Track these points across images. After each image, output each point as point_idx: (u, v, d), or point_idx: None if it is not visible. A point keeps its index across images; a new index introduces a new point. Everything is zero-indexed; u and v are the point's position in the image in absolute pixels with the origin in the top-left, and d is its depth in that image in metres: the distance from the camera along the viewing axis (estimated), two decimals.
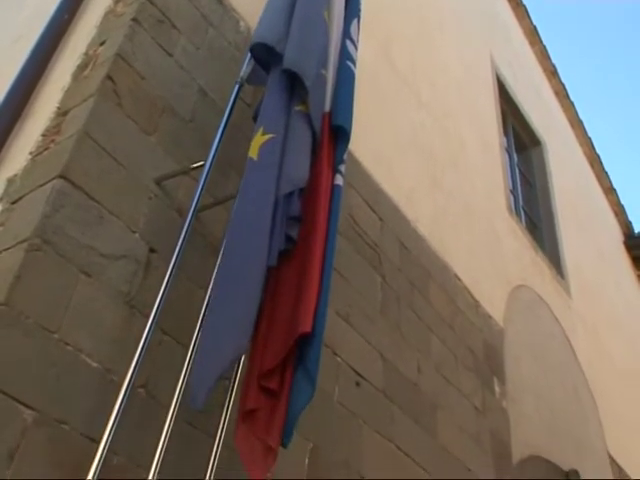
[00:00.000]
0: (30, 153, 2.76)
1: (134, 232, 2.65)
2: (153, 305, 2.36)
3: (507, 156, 7.75)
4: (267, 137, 2.83)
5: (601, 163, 10.47)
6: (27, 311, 2.18)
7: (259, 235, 2.59)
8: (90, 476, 2.03)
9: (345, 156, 3.12)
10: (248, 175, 2.75)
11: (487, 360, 4.95)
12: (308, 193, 2.86)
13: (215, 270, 2.60)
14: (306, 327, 2.45)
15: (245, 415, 2.41)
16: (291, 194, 2.77)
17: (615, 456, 6.69)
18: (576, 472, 5.54)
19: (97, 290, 2.43)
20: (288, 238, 2.73)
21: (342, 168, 3.07)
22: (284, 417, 2.43)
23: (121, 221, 2.61)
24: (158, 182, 2.83)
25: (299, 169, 2.84)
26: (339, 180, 3.01)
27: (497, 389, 4.91)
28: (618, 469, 6.67)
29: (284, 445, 2.46)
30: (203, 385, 2.28)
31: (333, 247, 2.81)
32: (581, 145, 10.18)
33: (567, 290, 7.42)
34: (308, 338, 2.49)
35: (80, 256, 2.41)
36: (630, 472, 6.89)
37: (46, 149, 2.69)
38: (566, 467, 5.51)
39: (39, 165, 2.65)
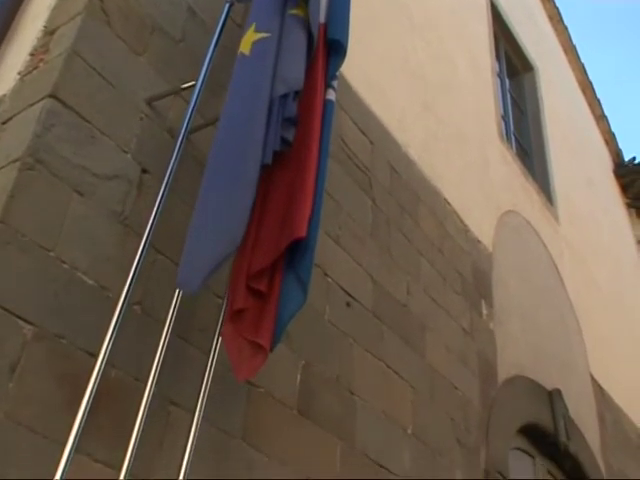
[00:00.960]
0: (19, 73, 2.73)
1: (126, 152, 2.66)
2: (147, 225, 2.39)
3: (499, 81, 7.69)
4: (260, 35, 2.79)
5: (593, 90, 10.40)
6: (23, 229, 2.21)
7: (254, 131, 2.58)
8: (89, 388, 2.11)
9: (338, 72, 3.10)
10: (239, 70, 2.72)
11: (475, 283, 5.03)
12: (302, 106, 2.84)
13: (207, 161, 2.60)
14: (301, 232, 2.46)
15: (233, 315, 2.44)
16: (286, 96, 2.73)
17: (597, 377, 6.86)
18: (559, 391, 5.69)
19: (91, 209, 2.45)
20: (283, 140, 2.71)
21: (335, 84, 3.05)
22: (274, 319, 2.46)
23: (113, 141, 2.62)
24: (149, 102, 2.82)
25: (294, 71, 2.80)
26: (331, 95, 2.99)
27: (484, 311, 5.01)
28: (599, 389, 6.86)
29: (271, 349, 2.50)
30: (197, 272, 2.30)
31: (326, 160, 2.82)
32: (574, 71, 10.08)
33: (556, 217, 7.48)
34: (301, 245, 2.51)
35: (73, 175, 2.43)
36: (610, 392, 7.08)
37: (35, 68, 2.67)
38: (549, 386, 5.65)
39: (28, 85, 2.63)
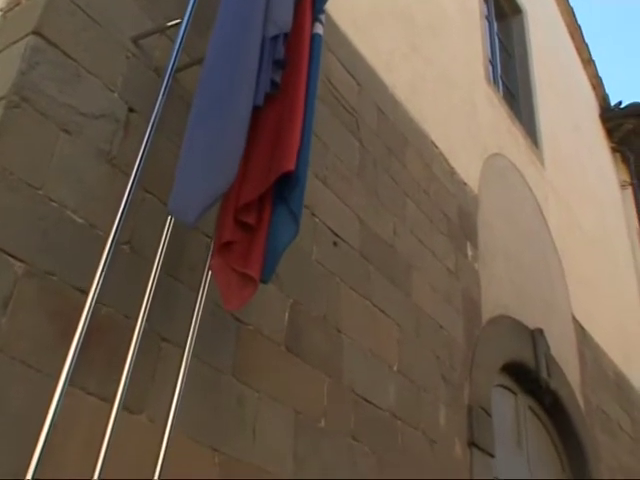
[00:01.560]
0: (0, 10, 2.68)
1: (112, 91, 2.64)
2: (134, 164, 2.38)
3: (487, 24, 7.61)
4: None
5: (581, 34, 10.29)
6: (10, 167, 2.20)
7: (245, 71, 2.58)
8: (81, 324, 2.13)
9: (325, 6, 3.07)
10: (226, 7, 2.69)
11: (461, 225, 5.06)
12: (290, 45, 2.82)
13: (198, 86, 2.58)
14: (289, 165, 2.49)
15: (221, 248, 2.46)
16: (276, 38, 2.73)
17: (578, 317, 6.96)
18: (541, 331, 5.78)
19: (78, 148, 2.44)
20: (272, 82, 2.71)
21: (322, 18, 3.02)
22: (263, 251, 2.50)
23: (99, 80, 2.59)
24: (135, 41, 2.78)
25: (283, 13, 2.79)
26: (319, 29, 2.97)
27: (469, 252, 5.05)
28: (580, 329, 6.97)
29: (264, 281, 2.54)
30: (193, 206, 2.31)
31: (314, 96, 2.81)
32: (562, 14, 9.96)
33: (541, 160, 7.49)
34: (291, 179, 2.54)
35: (59, 114, 2.41)
36: (591, 332, 7.19)
37: (17, 5, 2.62)
38: (532, 326, 5.74)
39: (10, 22, 2.59)
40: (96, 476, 2.11)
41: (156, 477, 2.27)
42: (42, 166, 2.30)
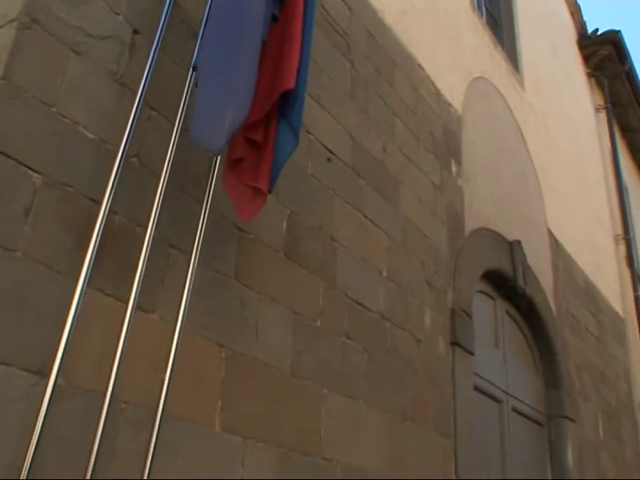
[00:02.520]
0: None
1: (117, 14, 2.58)
2: (140, 83, 2.38)
3: None
4: None
5: None
6: (25, 86, 2.17)
7: (254, 7, 2.59)
8: (95, 232, 2.16)
9: None
10: None
11: (446, 143, 5.04)
12: None
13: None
14: (290, 84, 2.51)
15: (233, 164, 2.51)
16: None
17: (552, 230, 7.02)
18: (518, 242, 5.85)
19: (88, 68, 2.40)
20: (272, 16, 2.75)
21: None
22: (270, 166, 2.54)
23: (104, 3, 2.53)
24: None
25: None
26: None
27: (454, 169, 5.05)
28: (554, 241, 7.04)
29: (268, 191, 2.58)
30: (218, 135, 2.36)
31: (312, 20, 2.80)
32: None
33: (521, 84, 7.40)
34: (291, 96, 2.56)
35: (68, 35, 2.36)
36: (564, 243, 7.27)
37: None
38: (510, 237, 5.80)
39: None
40: (115, 368, 2.19)
41: (169, 369, 2.35)
42: (54, 85, 2.27)
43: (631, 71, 10.52)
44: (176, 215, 2.61)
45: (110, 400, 2.14)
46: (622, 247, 9.90)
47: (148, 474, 2.21)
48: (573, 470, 6.06)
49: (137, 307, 2.28)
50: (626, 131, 11.49)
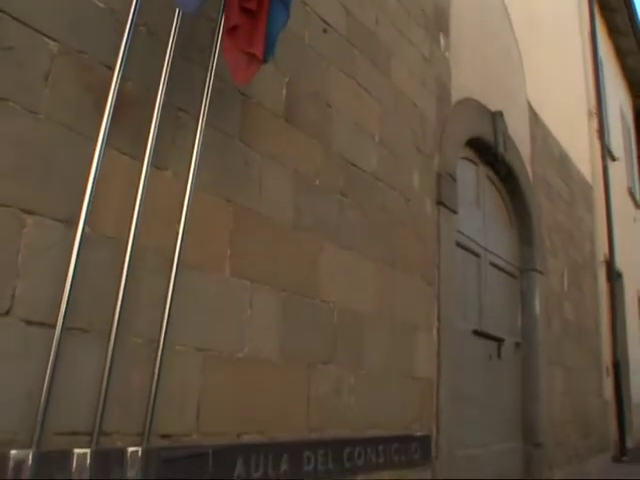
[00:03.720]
0: None
1: None
2: None
3: None
4: None
5: None
6: None
7: None
8: (110, 96, 2.12)
9: None
10: None
11: (435, 19, 4.82)
12: None
13: None
14: None
15: (229, 31, 2.43)
16: None
17: (532, 102, 6.89)
18: (501, 113, 5.74)
19: None
20: None
21: None
22: (264, 33, 2.46)
23: None
24: None
25: None
26: None
27: (442, 42, 4.86)
28: (533, 113, 6.92)
29: (265, 60, 2.51)
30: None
31: None
32: None
33: None
34: None
35: None
36: (542, 115, 7.16)
37: None
38: (493, 108, 5.69)
39: None
40: (135, 220, 2.21)
41: (182, 221, 2.38)
42: None
43: None
44: (183, 81, 2.54)
45: (132, 248, 2.17)
46: (594, 121, 9.81)
47: (168, 314, 2.29)
48: (540, 316, 6.29)
49: (151, 165, 2.27)
50: (606, 10, 11.03)
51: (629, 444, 9.20)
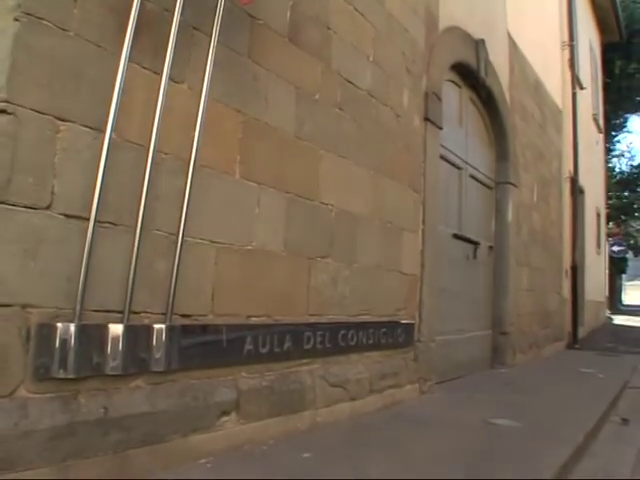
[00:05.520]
0: None
1: None
2: None
3: None
4: None
5: None
6: None
7: None
8: (132, 16, 2.07)
9: None
10: None
11: None
12: None
13: None
14: None
15: None
16: None
17: (512, 33, 6.64)
18: (483, 41, 5.53)
19: None
20: None
21: None
22: None
23: None
24: None
25: None
26: None
27: None
28: (512, 43, 6.68)
29: None
30: None
31: None
32: None
33: None
34: None
35: None
36: (520, 46, 6.92)
37: None
38: (476, 37, 5.48)
39: None
40: (155, 127, 2.17)
41: (197, 128, 2.34)
42: None
43: None
44: (198, 3, 2.42)
45: (153, 152, 2.15)
46: (566, 52, 9.51)
47: (186, 211, 2.29)
48: (511, 223, 6.31)
49: (169, 78, 2.21)
50: None
51: (580, 334, 9.47)
